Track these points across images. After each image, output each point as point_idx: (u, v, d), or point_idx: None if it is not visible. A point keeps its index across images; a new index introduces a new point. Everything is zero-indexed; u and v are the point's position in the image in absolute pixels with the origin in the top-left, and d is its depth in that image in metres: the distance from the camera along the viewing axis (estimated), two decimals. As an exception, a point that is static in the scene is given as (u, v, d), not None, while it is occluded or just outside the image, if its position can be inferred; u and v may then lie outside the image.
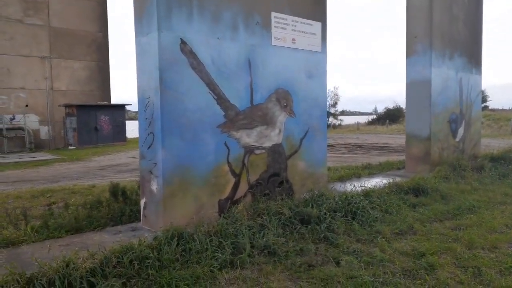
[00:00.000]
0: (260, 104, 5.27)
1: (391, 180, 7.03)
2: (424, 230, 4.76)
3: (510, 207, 5.89)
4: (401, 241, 4.39)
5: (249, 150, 5.15)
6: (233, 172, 4.96)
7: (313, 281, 3.34)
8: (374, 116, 45.99)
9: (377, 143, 21.03)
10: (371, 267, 3.60)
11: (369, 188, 6.21)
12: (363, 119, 47.53)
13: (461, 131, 9.58)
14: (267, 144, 5.37)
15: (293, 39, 5.68)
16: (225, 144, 4.87)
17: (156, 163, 4.39)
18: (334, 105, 42.69)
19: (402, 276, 3.44)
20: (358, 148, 19.13)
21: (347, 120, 47.43)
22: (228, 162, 4.91)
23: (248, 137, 5.13)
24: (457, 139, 9.47)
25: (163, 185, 4.33)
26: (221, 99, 4.81)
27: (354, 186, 6.62)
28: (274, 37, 5.43)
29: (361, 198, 5.51)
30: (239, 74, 5.02)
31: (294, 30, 5.68)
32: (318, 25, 6.03)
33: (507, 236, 4.49)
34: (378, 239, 4.40)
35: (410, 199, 6.10)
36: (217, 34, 4.78)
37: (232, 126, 4.95)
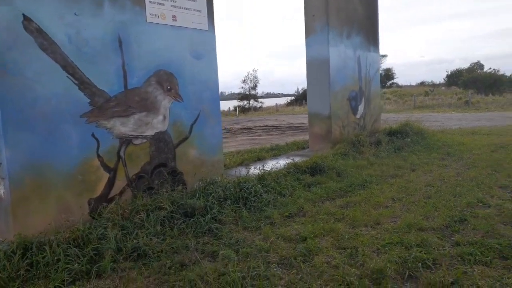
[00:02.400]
0: (137, 88, 4.72)
1: (291, 161, 6.94)
2: (313, 210, 4.66)
3: (399, 180, 6.09)
4: (289, 224, 4.22)
5: (125, 141, 4.60)
6: (105, 167, 4.40)
7: (179, 284, 2.98)
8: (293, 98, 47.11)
9: (293, 123, 21.43)
10: (248, 259, 3.34)
11: (266, 171, 6.02)
12: (285, 101, 48.45)
13: (361, 108, 9.88)
14: (149, 132, 4.86)
15: (174, 16, 5.17)
16: (93, 135, 4.27)
17: (0, 163, 3.67)
18: (254, 87, 42.91)
19: (277, 266, 3.23)
20: (274, 129, 19.31)
21: (269, 102, 48.05)
22: (99, 156, 4.33)
23: (124, 126, 4.57)
24: (358, 116, 9.76)
25: (11, 189, 3.64)
26: (84, 84, 4.18)
27: (254, 169, 6.41)
28: (150, 13, 4.87)
29: (255, 182, 5.28)
30: (107, 55, 4.41)
31: (174, 6, 5.17)
32: (202, 1, 5.57)
33: (391, 210, 4.55)
34: (263, 225, 4.19)
35: (306, 178, 6.03)
36: (74, 9, 4.11)
37: (101, 114, 4.35)
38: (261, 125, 22.21)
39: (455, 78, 51.71)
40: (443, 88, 50.33)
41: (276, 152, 8.93)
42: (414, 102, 30.76)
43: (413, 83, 64.53)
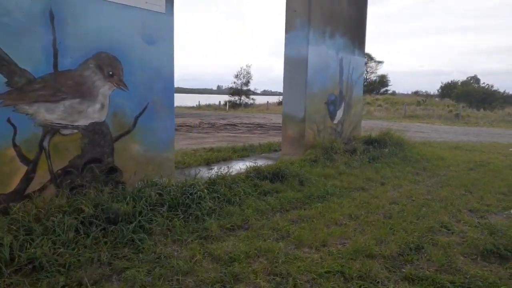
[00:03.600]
0: (71, 70, 4.16)
1: (255, 164, 6.41)
2: (259, 224, 4.15)
3: (364, 193, 5.62)
4: (225, 239, 3.71)
5: (51, 130, 4.04)
6: (23, 158, 3.84)
7: (61, 311, 2.47)
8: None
9: (279, 123, 20.87)
10: (158, 283, 2.83)
11: (221, 174, 5.50)
12: (278, 99, 47.77)
13: (339, 113, 9.39)
14: (82, 122, 4.31)
15: (124, -6, 4.61)
16: (9, 121, 3.71)
17: None
18: (247, 83, 42.28)
19: (188, 294, 2.72)
20: (259, 128, 18.84)
21: (263, 99, 47.36)
22: (15, 145, 3.77)
23: (50, 113, 4.01)
24: (335, 121, 9.27)
25: None
26: (1, 61, 3.62)
27: (212, 171, 5.89)
28: (93, -12, 4.31)
29: (202, 187, 4.76)
30: (34, 29, 3.84)
31: (125, -18, 4.61)
32: (162, -20, 5.02)
33: (343, 230, 4.06)
34: (195, 238, 3.68)
35: (264, 185, 5.53)
36: (-6, -27, 3.54)
37: (22, 97, 3.79)
38: (247, 122, 21.71)
39: (449, 90, 51.55)
40: (436, 99, 50.13)
41: (245, 153, 8.42)
42: (404, 111, 30.43)
43: (410, 92, 64.29)
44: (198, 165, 6.93)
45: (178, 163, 6.74)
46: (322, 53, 8.52)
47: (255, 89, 46.34)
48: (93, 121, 4.40)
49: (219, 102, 41.93)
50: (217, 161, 7.35)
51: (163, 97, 5.19)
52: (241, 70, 42.16)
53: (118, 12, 4.55)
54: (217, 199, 4.69)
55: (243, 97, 42.68)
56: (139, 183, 4.70)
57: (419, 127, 19.69)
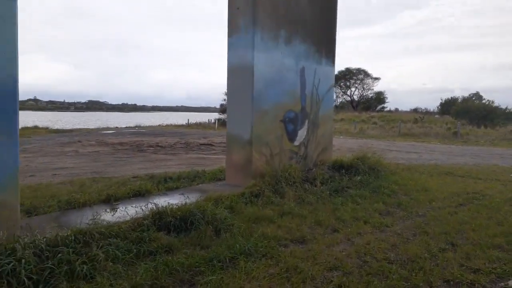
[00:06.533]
0: None
1: (168, 204, 4.72)
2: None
3: (299, 250, 3.92)
4: None
5: None
6: None
7: None
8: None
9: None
10: None
11: (105, 223, 3.83)
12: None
13: (302, 133, 7.76)
14: None
15: None
16: None
17: None
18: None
19: None
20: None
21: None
22: None
23: None
24: (296, 143, 7.62)
25: None
26: None
27: (106, 213, 4.21)
28: None
29: (25, 252, 3.09)
30: None
31: None
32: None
33: None
34: None
35: (158, 239, 3.86)
36: None
37: None
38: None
39: (449, 107, 49.99)
40: (437, 116, 48.63)
41: (177, 183, 6.72)
42: (399, 129, 28.77)
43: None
44: (95, 204, 5.23)
45: (65, 203, 5.08)
46: (275, 62, 6.95)
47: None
48: None
49: (209, 120, 40.46)
50: (127, 197, 5.66)
51: (-3, 117, 3.56)
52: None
53: None
54: (47, 275, 3.01)
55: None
56: None
57: (412, 147, 18.00)
